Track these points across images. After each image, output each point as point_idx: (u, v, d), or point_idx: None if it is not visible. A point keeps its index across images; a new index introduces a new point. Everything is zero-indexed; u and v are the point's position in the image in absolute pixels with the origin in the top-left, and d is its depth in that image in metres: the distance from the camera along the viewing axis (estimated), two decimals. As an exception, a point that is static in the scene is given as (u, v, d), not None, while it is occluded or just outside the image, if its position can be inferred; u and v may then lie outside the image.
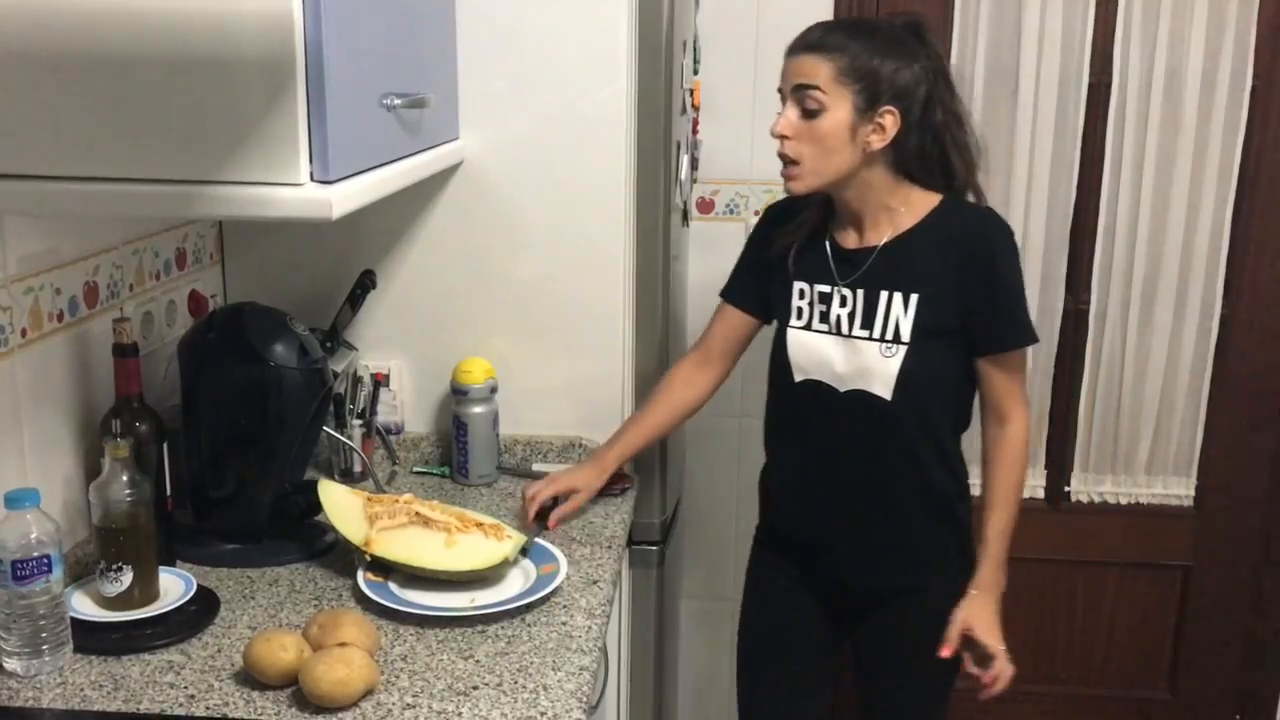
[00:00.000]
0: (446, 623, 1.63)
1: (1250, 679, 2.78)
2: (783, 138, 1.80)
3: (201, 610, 1.63)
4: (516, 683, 1.50)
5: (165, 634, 1.57)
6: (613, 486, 2.11)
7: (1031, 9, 2.41)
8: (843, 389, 1.88)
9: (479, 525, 1.76)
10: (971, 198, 1.88)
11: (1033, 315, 2.51)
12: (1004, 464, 1.89)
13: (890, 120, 1.77)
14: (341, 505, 1.79)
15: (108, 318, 1.77)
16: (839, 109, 1.76)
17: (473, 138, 2.10)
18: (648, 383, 2.17)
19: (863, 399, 1.86)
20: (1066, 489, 2.69)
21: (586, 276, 2.16)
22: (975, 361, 1.87)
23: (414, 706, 1.43)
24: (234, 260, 2.22)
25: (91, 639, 1.54)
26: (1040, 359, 2.60)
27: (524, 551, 1.78)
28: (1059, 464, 2.68)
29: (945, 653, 1.86)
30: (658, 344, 2.21)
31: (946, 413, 1.90)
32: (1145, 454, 2.65)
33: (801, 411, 1.95)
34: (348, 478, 2.09)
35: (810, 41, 1.79)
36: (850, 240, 1.89)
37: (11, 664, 1.47)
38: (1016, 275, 1.86)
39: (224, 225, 2.20)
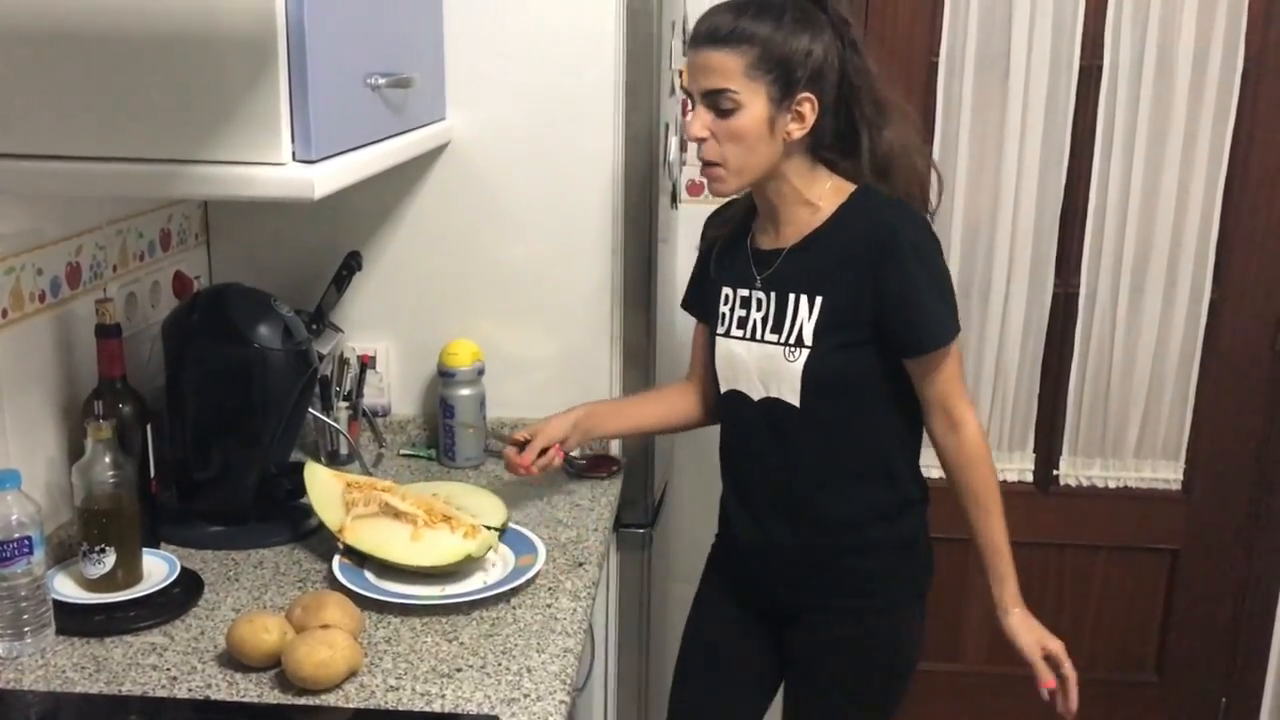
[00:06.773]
0: (423, 608, 1.63)
1: (1237, 662, 2.79)
2: (700, 140, 1.70)
3: (185, 592, 1.63)
4: (500, 665, 1.49)
5: (148, 616, 1.56)
6: (600, 469, 2.11)
7: (1023, -9, 2.40)
8: (756, 397, 1.80)
9: (447, 519, 1.74)
10: (870, 169, 1.73)
11: (1022, 299, 2.57)
12: (970, 470, 1.76)
13: (809, 107, 1.68)
14: (324, 489, 1.79)
15: (90, 298, 1.76)
16: (754, 104, 1.66)
17: (460, 118, 2.09)
18: (635, 364, 2.17)
19: (776, 406, 1.78)
20: (1055, 472, 2.70)
21: (574, 258, 2.15)
22: (904, 364, 1.74)
23: (397, 689, 1.43)
24: (219, 241, 2.21)
25: (74, 621, 1.53)
26: (1030, 343, 2.60)
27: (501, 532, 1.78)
28: (1047, 447, 2.68)
29: (1048, 685, 1.76)
30: (645, 326, 2.20)
31: (868, 419, 1.76)
32: (1134, 438, 2.66)
33: (729, 421, 1.89)
34: (334, 460, 2.08)
35: (716, 33, 1.66)
36: (768, 240, 1.81)
37: (-7, 645, 1.47)
38: (928, 270, 1.71)
39: (209, 206, 2.19)
